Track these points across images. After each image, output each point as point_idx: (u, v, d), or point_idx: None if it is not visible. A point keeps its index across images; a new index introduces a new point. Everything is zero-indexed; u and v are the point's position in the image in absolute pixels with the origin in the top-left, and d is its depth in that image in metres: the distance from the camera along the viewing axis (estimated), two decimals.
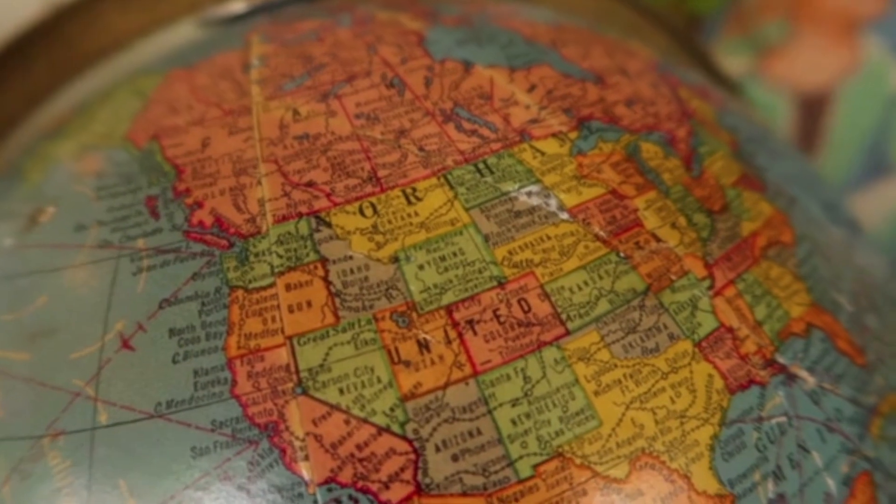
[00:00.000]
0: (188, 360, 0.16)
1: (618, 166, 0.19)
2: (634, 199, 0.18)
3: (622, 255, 0.17)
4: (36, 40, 0.26)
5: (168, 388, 0.16)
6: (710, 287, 0.18)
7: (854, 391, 0.19)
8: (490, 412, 0.15)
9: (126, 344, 0.16)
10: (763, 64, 0.49)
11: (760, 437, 0.17)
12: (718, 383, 0.17)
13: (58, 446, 0.16)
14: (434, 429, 0.15)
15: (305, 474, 0.15)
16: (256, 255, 0.17)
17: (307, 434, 0.15)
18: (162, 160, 0.19)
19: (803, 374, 0.18)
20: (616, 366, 0.16)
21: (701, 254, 0.18)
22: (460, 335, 0.16)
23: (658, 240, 0.18)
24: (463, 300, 0.16)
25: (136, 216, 0.18)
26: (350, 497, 0.15)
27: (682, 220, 0.19)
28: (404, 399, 0.15)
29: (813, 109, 0.50)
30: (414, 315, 0.16)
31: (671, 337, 0.17)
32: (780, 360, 0.18)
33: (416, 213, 0.17)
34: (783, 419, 0.17)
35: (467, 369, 0.16)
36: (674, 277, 0.18)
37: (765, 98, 0.48)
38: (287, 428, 0.15)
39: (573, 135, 0.19)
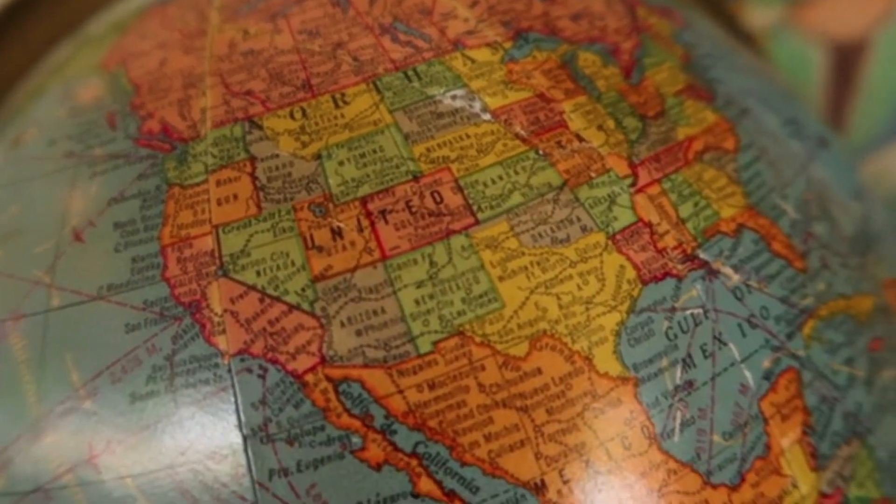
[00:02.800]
0: (128, 248, 0.17)
1: (549, 73, 0.19)
2: (562, 102, 0.19)
3: (541, 152, 0.18)
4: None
5: (109, 273, 0.17)
6: (633, 185, 0.18)
7: (787, 292, 0.18)
8: (395, 293, 0.16)
9: (78, 237, 0.18)
10: (796, 14, 0.47)
11: (671, 326, 0.17)
12: (630, 274, 0.17)
13: (18, 328, 0.18)
14: (341, 307, 0.16)
15: (222, 346, 0.16)
16: (194, 156, 0.18)
17: (225, 311, 0.16)
18: (125, 80, 0.21)
19: (727, 270, 0.18)
20: (523, 254, 0.17)
21: (626, 154, 0.18)
22: (372, 224, 0.17)
23: (581, 140, 0.18)
24: (378, 192, 0.17)
25: (97, 129, 0.20)
26: (260, 366, 0.16)
27: (610, 123, 0.19)
28: (315, 280, 0.16)
29: (847, 59, 0.48)
30: (330, 206, 0.17)
31: (583, 229, 0.17)
32: (702, 256, 0.18)
33: (343, 116, 0.18)
34: (699, 311, 0.17)
35: (376, 254, 0.16)
36: (593, 174, 0.18)
37: (797, 49, 0.47)
38: (208, 306, 0.16)
39: (508, 44, 0.20)
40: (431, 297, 0.16)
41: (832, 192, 0.22)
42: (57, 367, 0.17)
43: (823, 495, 0.18)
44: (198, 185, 0.18)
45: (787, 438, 0.17)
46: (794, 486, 0.17)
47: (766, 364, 0.18)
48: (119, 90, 0.20)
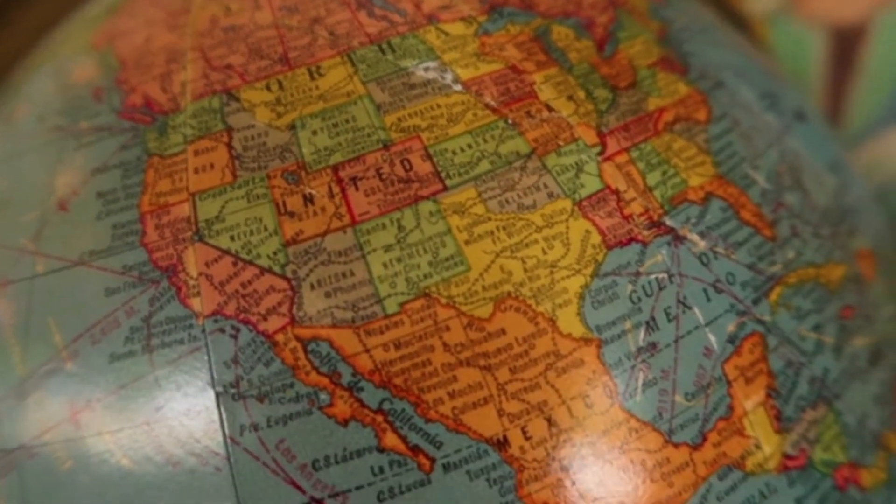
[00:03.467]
0: (109, 216, 0.18)
1: (522, 45, 0.20)
2: (533, 73, 0.19)
3: (510, 121, 0.18)
4: None
5: (91, 240, 0.18)
6: (601, 153, 0.18)
7: (755, 259, 0.19)
8: (364, 256, 0.17)
9: (62, 206, 0.19)
10: None
11: (636, 289, 0.17)
12: (595, 239, 0.17)
13: (6, 294, 0.18)
14: (311, 270, 0.16)
15: (196, 308, 0.16)
16: (173, 127, 0.19)
17: (200, 274, 0.17)
18: (112, 57, 0.21)
19: (693, 237, 0.18)
20: (490, 219, 0.17)
21: (595, 123, 0.19)
22: (343, 190, 0.17)
23: (551, 110, 0.19)
24: (349, 160, 0.17)
25: (84, 104, 0.20)
26: (232, 327, 0.16)
27: (580, 94, 0.19)
28: (286, 244, 0.17)
29: (847, 43, 0.47)
30: (303, 173, 0.17)
31: (550, 195, 0.17)
32: (669, 222, 0.18)
33: (317, 87, 0.19)
34: (663, 276, 0.17)
35: (346, 219, 0.17)
36: (561, 143, 0.18)
37: (797, 34, 0.46)
38: (184, 269, 0.17)
39: (482, 18, 0.20)
40: (399, 260, 0.17)
41: (806, 164, 0.22)
42: (41, 330, 0.18)
43: (788, 457, 0.18)
44: (176, 154, 0.18)
45: (750, 401, 0.18)
46: (758, 446, 0.17)
47: (731, 328, 0.18)
48: (106, 67, 0.21)
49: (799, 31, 0.47)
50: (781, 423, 0.18)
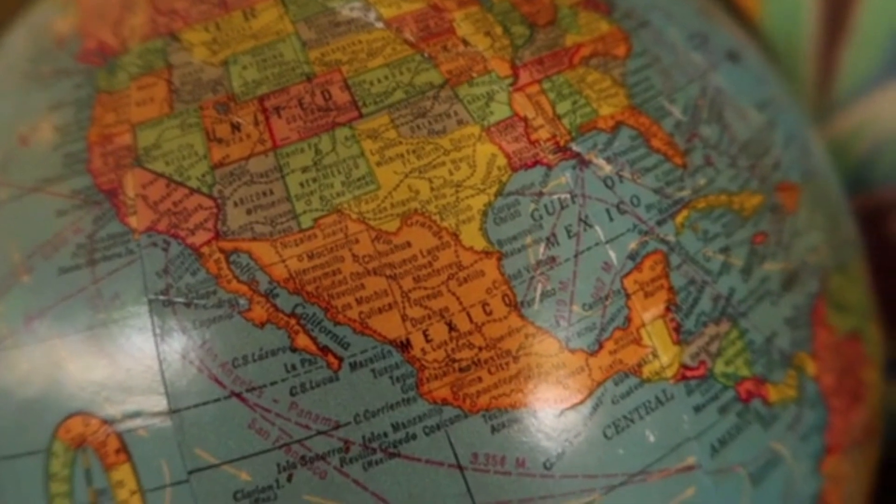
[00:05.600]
0: (62, 147, 0.20)
1: None
2: (453, 11, 0.20)
3: (426, 55, 0.19)
4: None
5: (46, 169, 0.20)
6: (512, 84, 0.19)
7: (662, 184, 0.20)
8: (283, 177, 0.18)
9: (24, 141, 0.20)
10: None
11: (537, 208, 0.18)
12: (501, 161, 0.18)
13: None
14: (235, 189, 0.18)
15: (133, 225, 0.18)
16: (121, 67, 0.20)
17: (137, 195, 0.18)
18: (76, 8, 0.23)
19: (599, 161, 0.19)
20: (401, 143, 0.18)
21: (510, 57, 0.20)
22: (267, 118, 0.19)
23: (467, 44, 0.20)
24: (274, 92, 0.19)
25: (47, 51, 0.22)
26: (164, 241, 0.18)
27: (497, 30, 0.20)
28: (214, 167, 0.18)
29: (839, 5, 0.47)
30: (232, 104, 0.19)
31: (459, 122, 0.19)
32: (575, 147, 0.19)
33: (251, 28, 0.20)
34: (566, 196, 0.18)
35: (268, 144, 0.18)
36: (474, 75, 0.19)
37: None
38: (123, 192, 0.18)
39: None
40: (315, 180, 0.18)
41: (730, 100, 0.22)
42: (3, 251, 0.20)
43: (686, 367, 0.19)
44: (122, 90, 0.20)
45: (649, 313, 0.19)
46: (655, 356, 0.18)
47: (633, 246, 0.19)
48: (72, 17, 0.23)
49: None
50: (681, 335, 0.19)
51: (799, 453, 0.21)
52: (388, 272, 0.18)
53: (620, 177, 0.19)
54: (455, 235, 0.18)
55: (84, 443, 0.18)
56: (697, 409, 0.19)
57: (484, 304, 0.18)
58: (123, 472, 0.17)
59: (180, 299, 0.18)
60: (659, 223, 0.19)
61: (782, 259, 0.22)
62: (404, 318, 0.17)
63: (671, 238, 0.19)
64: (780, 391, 0.21)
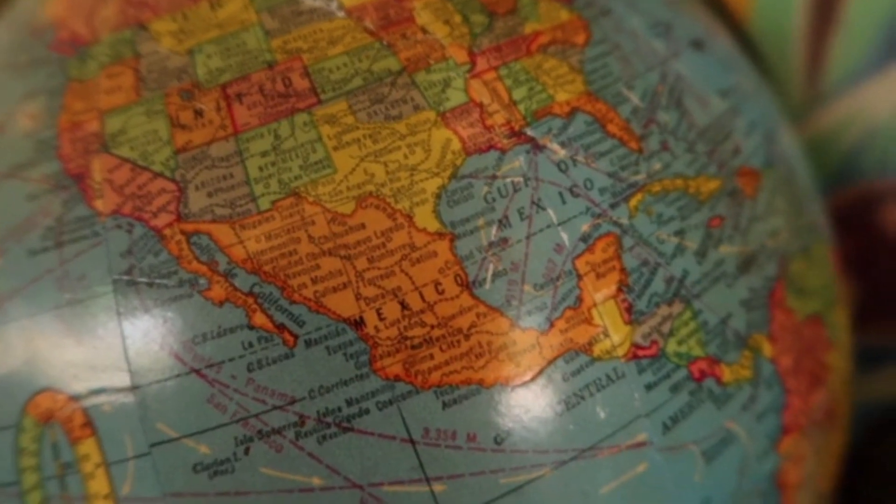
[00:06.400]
0: (35, 134, 0.20)
1: None
2: (413, 1, 0.21)
3: (385, 43, 0.20)
4: None
5: (20, 155, 0.20)
6: (469, 71, 0.20)
7: (616, 168, 0.20)
8: (243, 161, 0.19)
9: (1, 129, 0.21)
10: None
11: (490, 191, 0.19)
12: (456, 146, 0.19)
13: None
14: (196, 173, 0.19)
15: (99, 208, 0.19)
16: (92, 56, 0.21)
17: (103, 180, 0.19)
18: (54, 0, 0.24)
19: (554, 146, 0.20)
20: (358, 128, 0.19)
21: (467, 45, 0.20)
22: (229, 105, 0.19)
23: (426, 32, 0.20)
24: (237, 79, 0.19)
25: (25, 42, 0.23)
26: (128, 223, 0.18)
27: (457, 18, 0.21)
28: (177, 152, 0.19)
29: None
30: (196, 91, 0.19)
31: (416, 108, 0.19)
32: (530, 132, 0.20)
33: (216, 17, 0.20)
34: (519, 179, 0.19)
35: (229, 130, 0.19)
36: (432, 62, 0.20)
37: None
38: (90, 176, 0.19)
39: None
40: (273, 164, 0.19)
41: (691, 87, 0.23)
42: None
43: (638, 346, 0.19)
44: (91, 79, 0.20)
45: (600, 293, 0.19)
46: (606, 335, 0.19)
47: (585, 228, 0.19)
48: (49, 7, 0.23)
49: None
50: (632, 315, 0.19)
51: (754, 432, 0.21)
52: (342, 253, 0.18)
53: (574, 161, 0.20)
54: (409, 217, 0.18)
55: (52, 418, 0.18)
56: (649, 387, 0.19)
57: (436, 284, 0.18)
58: (89, 446, 0.18)
59: (143, 279, 0.18)
60: (612, 206, 0.20)
61: (739, 242, 0.22)
62: (358, 297, 0.18)
63: (624, 221, 0.20)
64: (735, 371, 0.21)
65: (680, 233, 0.21)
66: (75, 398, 0.18)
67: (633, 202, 0.20)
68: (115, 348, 0.18)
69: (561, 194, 0.19)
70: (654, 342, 0.20)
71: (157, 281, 0.18)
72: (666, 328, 0.20)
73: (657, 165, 0.21)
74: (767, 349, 0.22)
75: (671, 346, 0.20)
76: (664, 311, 0.20)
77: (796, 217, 0.24)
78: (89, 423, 0.18)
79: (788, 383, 0.22)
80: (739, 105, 0.24)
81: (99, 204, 0.19)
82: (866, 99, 0.44)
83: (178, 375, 0.18)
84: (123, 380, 0.18)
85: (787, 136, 0.27)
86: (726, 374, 0.21)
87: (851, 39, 0.45)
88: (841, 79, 0.46)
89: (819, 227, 0.26)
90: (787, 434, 0.22)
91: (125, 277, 0.18)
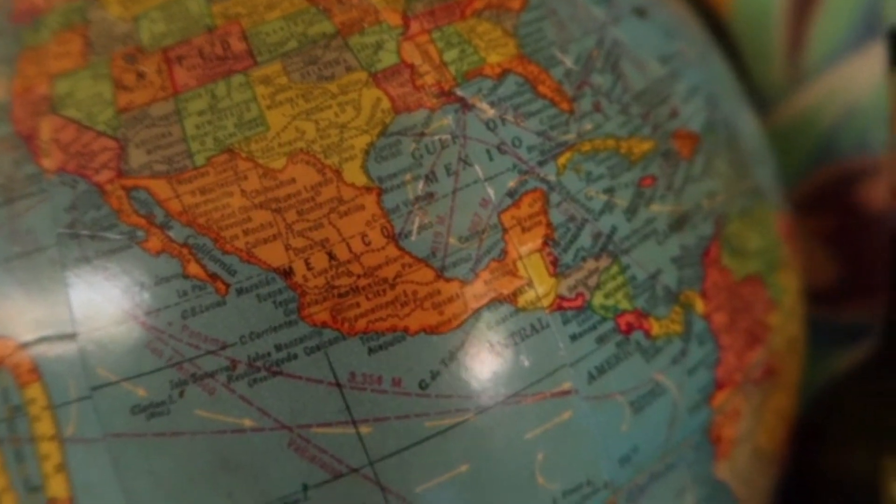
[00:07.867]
0: None
1: None
2: None
3: (321, 8, 0.21)
4: None
5: None
6: (402, 34, 0.20)
7: (546, 128, 0.21)
8: (181, 120, 0.19)
9: None
10: None
11: (418, 148, 0.19)
12: (385, 105, 0.20)
13: None
14: (137, 132, 0.19)
15: (46, 166, 0.20)
16: (45, 24, 0.22)
17: (51, 139, 0.20)
18: None
19: (483, 105, 0.20)
20: (291, 88, 0.20)
21: (401, 9, 0.21)
22: (170, 67, 0.20)
23: None
24: (178, 43, 0.20)
25: None
26: (72, 180, 0.19)
27: None
28: (119, 112, 0.20)
29: None
30: (139, 55, 0.20)
31: (348, 69, 0.20)
32: (459, 92, 0.20)
33: None
34: (447, 137, 0.20)
35: (169, 91, 0.20)
36: (366, 25, 0.20)
37: None
38: (38, 136, 0.20)
39: None
40: (210, 122, 0.19)
41: (629, 52, 0.23)
42: None
43: (563, 298, 0.20)
44: (43, 45, 0.21)
45: (525, 247, 0.20)
46: (530, 286, 0.20)
47: (512, 184, 0.20)
48: None
49: None
50: (558, 268, 0.20)
51: (685, 386, 0.22)
52: (273, 206, 0.19)
53: (503, 120, 0.20)
54: (338, 172, 0.19)
55: (1, 364, 0.19)
56: (574, 337, 0.20)
57: (363, 236, 0.19)
58: (35, 391, 0.19)
59: (86, 232, 0.19)
60: (540, 163, 0.20)
61: (672, 202, 0.22)
62: (287, 247, 0.19)
63: (552, 177, 0.20)
64: (665, 326, 0.22)
65: (609, 190, 0.21)
66: (23, 346, 0.19)
67: (562, 160, 0.21)
68: (59, 298, 0.19)
69: (489, 151, 0.20)
70: (579, 294, 0.20)
71: (99, 234, 0.19)
72: (592, 281, 0.20)
73: (588, 126, 0.21)
74: (700, 305, 0.22)
75: (597, 299, 0.20)
76: (591, 265, 0.21)
77: (738, 180, 0.25)
78: (35, 369, 0.19)
79: (722, 340, 0.23)
80: (680, 70, 0.25)
81: (46, 162, 0.20)
82: (845, 77, 0.44)
83: (117, 323, 0.19)
84: (67, 327, 0.19)
85: (732, 102, 0.27)
86: (655, 327, 0.21)
87: (831, 19, 0.45)
88: (821, 58, 0.46)
89: (765, 191, 0.26)
90: (721, 389, 0.23)
91: (69, 231, 0.19)
